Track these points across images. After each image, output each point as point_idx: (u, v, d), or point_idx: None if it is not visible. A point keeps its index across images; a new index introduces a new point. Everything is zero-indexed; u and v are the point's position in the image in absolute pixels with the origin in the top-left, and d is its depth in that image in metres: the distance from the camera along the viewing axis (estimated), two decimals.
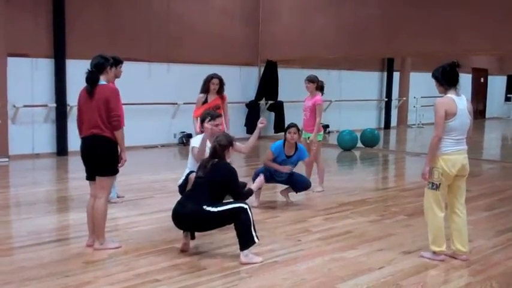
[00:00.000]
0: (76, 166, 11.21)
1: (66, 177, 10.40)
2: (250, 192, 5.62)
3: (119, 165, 5.53)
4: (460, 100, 5.25)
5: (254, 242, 5.17)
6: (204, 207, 5.13)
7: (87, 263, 5.11)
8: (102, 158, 5.43)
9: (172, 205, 7.34)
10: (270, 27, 15.83)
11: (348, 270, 5.05)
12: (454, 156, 5.24)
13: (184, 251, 5.44)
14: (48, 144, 12.21)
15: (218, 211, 5.13)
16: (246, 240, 5.15)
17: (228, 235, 6.09)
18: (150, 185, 8.94)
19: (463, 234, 5.40)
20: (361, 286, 4.67)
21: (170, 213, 6.99)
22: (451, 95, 5.26)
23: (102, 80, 5.45)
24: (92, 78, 5.38)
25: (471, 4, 11.84)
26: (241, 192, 5.49)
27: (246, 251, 5.15)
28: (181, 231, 5.50)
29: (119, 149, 5.47)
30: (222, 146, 5.46)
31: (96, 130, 5.35)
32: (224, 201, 5.32)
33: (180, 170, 10.84)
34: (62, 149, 12.23)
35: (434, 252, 5.39)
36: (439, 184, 5.27)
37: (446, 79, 5.28)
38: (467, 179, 5.43)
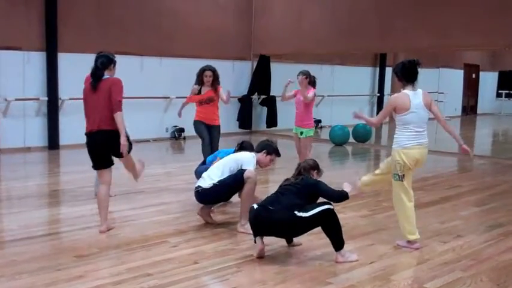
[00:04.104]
0: (68, 160, 11.24)
1: (57, 171, 10.37)
2: (345, 195, 5.41)
3: (121, 151, 5.79)
4: (416, 95, 5.52)
5: (344, 242, 5.19)
6: (296, 212, 5.04)
7: (78, 257, 5.10)
8: (118, 147, 5.76)
9: (164, 200, 7.38)
10: (263, 21, 15.81)
11: (339, 265, 5.06)
12: (413, 150, 5.49)
13: (261, 257, 5.21)
14: (40, 138, 12.16)
15: (310, 216, 5.03)
16: (339, 241, 5.14)
17: (219, 229, 6.12)
18: (141, 179, 8.89)
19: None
20: (353, 281, 4.68)
21: (161, 207, 7.05)
22: (407, 90, 5.52)
23: (106, 75, 5.83)
24: (97, 73, 5.78)
25: (464, 0, 11.87)
26: (335, 192, 5.40)
27: (342, 251, 5.15)
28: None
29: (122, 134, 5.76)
30: (307, 168, 5.56)
31: (105, 126, 5.72)
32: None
33: (172, 164, 10.89)
34: (53, 142, 12.18)
35: (409, 241, 5.57)
36: (403, 175, 5.52)
37: (405, 75, 5.57)
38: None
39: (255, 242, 5.18)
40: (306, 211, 5.04)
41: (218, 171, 6.11)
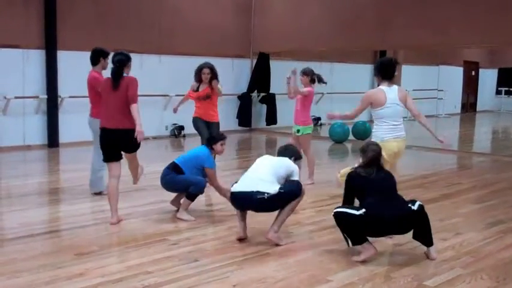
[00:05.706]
0: (67, 158, 11.24)
1: (57, 169, 10.37)
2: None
3: (137, 138, 6.00)
4: (390, 90, 5.82)
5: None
6: (409, 205, 5.08)
7: (78, 255, 5.10)
8: (131, 143, 6.09)
9: (164, 197, 7.36)
10: (263, 19, 15.80)
11: (340, 262, 5.07)
12: (390, 143, 5.76)
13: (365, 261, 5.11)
14: (39, 136, 12.15)
15: (415, 210, 5.05)
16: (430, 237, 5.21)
17: (219, 227, 6.12)
18: (141, 177, 8.90)
19: None
20: (353, 278, 4.68)
21: (161, 205, 7.04)
22: (382, 86, 5.86)
23: (125, 74, 6.16)
24: (117, 72, 6.12)
25: None
26: None
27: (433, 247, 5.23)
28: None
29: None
30: (379, 152, 5.33)
31: (122, 125, 6.00)
32: None
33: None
34: (53, 140, 12.17)
35: None
36: None
37: (382, 72, 5.91)
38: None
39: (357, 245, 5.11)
40: (414, 205, 5.09)
41: (271, 177, 5.55)
